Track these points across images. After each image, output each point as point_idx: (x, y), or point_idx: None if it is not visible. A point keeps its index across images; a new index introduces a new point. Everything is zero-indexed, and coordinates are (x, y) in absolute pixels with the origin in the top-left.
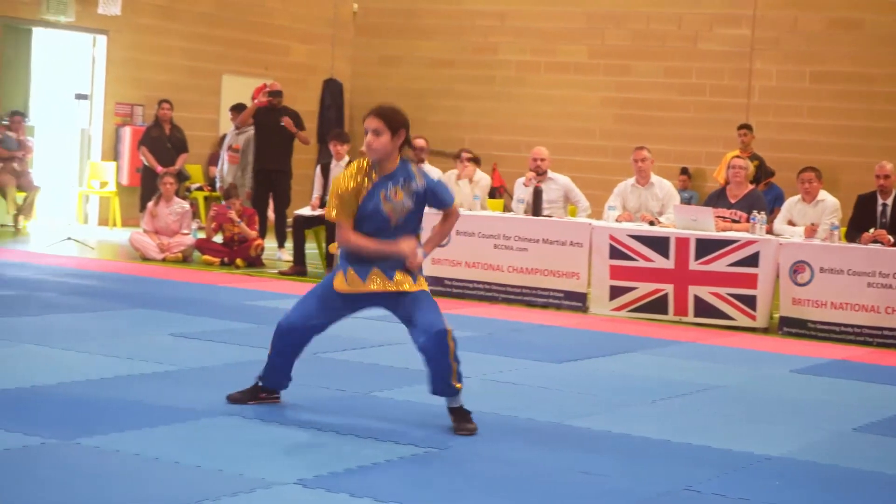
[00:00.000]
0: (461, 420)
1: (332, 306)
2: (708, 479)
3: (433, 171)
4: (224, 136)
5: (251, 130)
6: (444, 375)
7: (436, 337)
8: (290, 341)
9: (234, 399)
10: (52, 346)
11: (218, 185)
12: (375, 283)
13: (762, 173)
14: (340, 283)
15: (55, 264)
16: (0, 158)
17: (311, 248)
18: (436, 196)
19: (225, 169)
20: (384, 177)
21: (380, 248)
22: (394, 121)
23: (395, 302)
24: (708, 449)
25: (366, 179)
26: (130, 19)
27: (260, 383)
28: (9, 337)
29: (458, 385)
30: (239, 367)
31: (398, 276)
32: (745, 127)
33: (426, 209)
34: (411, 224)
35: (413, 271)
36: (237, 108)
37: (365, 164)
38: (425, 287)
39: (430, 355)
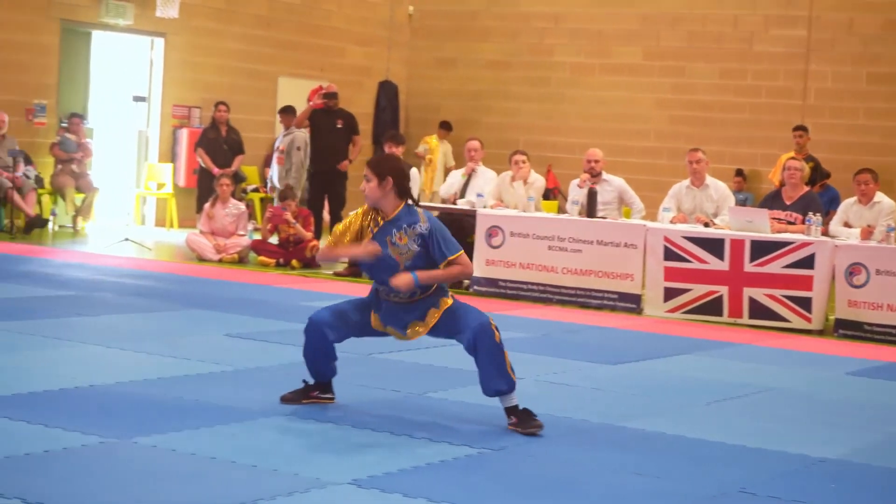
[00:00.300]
0: (527, 419)
1: (360, 325)
2: (763, 481)
3: (487, 172)
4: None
5: (296, 132)
6: (498, 365)
7: (479, 328)
8: (310, 337)
9: (287, 399)
10: (110, 346)
11: (268, 185)
12: (395, 334)
13: (818, 175)
14: (375, 320)
15: (113, 265)
16: (59, 160)
17: None
18: (435, 243)
19: (274, 171)
20: (388, 222)
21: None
22: (378, 168)
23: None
24: (763, 451)
25: (371, 223)
26: (187, 22)
27: (307, 382)
28: (67, 337)
29: (513, 376)
30: (293, 368)
31: (409, 329)
32: (801, 128)
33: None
34: (419, 265)
35: (429, 302)
36: (286, 111)
37: (371, 210)
38: (448, 303)
39: (480, 347)
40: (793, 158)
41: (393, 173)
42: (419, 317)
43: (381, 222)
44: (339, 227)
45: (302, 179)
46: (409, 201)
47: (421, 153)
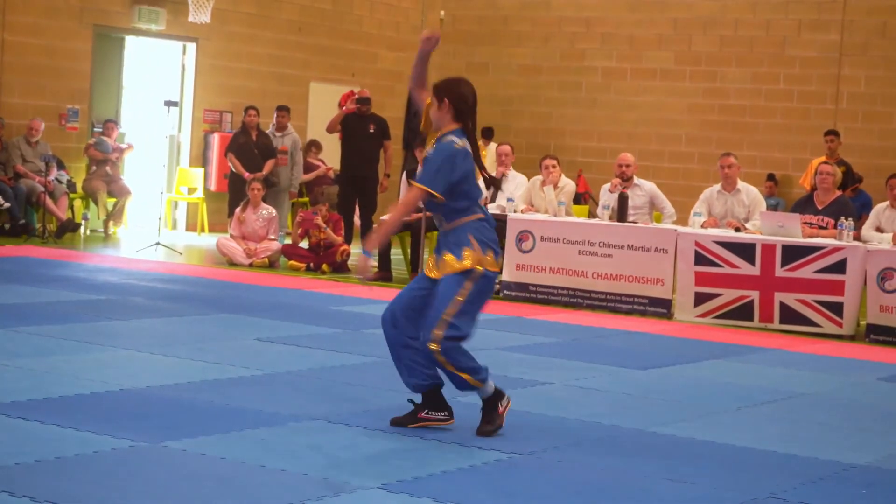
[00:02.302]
0: (485, 417)
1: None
2: (793, 487)
3: (517, 177)
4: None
5: (294, 133)
6: (455, 383)
7: (426, 350)
8: (385, 331)
9: (396, 422)
10: (141, 350)
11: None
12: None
13: (849, 179)
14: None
15: (144, 269)
16: (94, 161)
17: (396, 254)
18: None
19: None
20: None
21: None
22: (437, 90)
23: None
24: (793, 457)
25: None
26: (219, 27)
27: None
28: (99, 341)
29: (467, 377)
30: (324, 372)
31: (441, 260)
32: (832, 133)
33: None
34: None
35: (452, 243)
36: (284, 109)
37: None
38: (455, 267)
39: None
40: (825, 163)
41: (449, 95)
42: (438, 257)
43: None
44: None
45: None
46: (469, 124)
47: None
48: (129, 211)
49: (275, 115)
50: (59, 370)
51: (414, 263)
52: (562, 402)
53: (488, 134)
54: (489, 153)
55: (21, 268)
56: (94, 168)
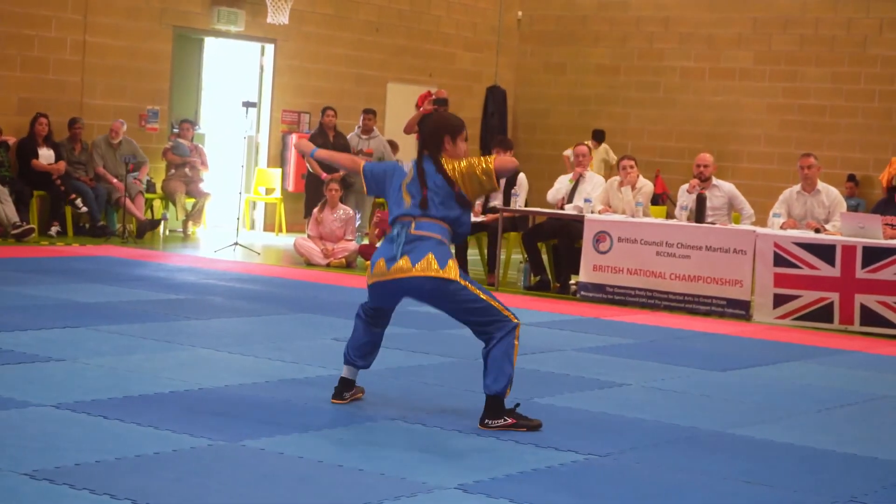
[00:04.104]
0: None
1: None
2: (874, 490)
3: (595, 177)
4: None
5: (381, 136)
6: None
7: None
8: None
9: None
10: (219, 349)
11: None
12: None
13: None
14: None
15: (222, 269)
16: (173, 165)
17: (472, 255)
18: None
19: None
20: None
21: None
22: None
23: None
24: (874, 460)
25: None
26: (297, 28)
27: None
28: (178, 340)
29: None
30: (401, 372)
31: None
32: None
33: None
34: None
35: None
36: (371, 112)
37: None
38: (448, 274)
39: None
40: None
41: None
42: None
43: None
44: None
45: None
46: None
47: (569, 157)
48: (208, 211)
49: (361, 118)
50: (139, 369)
51: (491, 264)
52: (639, 404)
53: (599, 136)
54: (597, 155)
55: (101, 267)
56: (172, 170)
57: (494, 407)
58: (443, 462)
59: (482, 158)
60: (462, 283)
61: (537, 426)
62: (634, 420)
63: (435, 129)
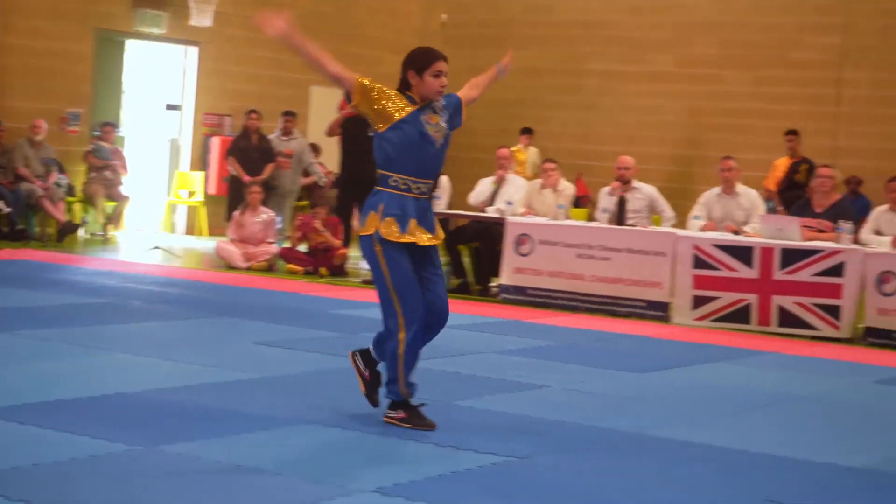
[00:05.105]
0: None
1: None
2: (790, 490)
3: (517, 180)
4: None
5: (301, 138)
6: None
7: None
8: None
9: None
10: (139, 353)
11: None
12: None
13: (812, 177)
14: (416, 230)
15: (142, 273)
16: (94, 168)
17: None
18: (457, 108)
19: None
20: (420, 108)
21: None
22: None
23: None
24: (790, 460)
25: (405, 105)
26: (221, 31)
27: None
28: (97, 345)
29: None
30: (322, 375)
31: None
32: (792, 132)
33: None
34: (447, 146)
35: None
36: (291, 114)
37: (402, 95)
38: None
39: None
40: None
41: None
42: (431, 226)
43: (419, 104)
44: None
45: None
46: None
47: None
48: (129, 214)
49: (281, 120)
50: (58, 374)
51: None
52: (559, 406)
53: (528, 131)
54: (529, 156)
55: (20, 271)
56: (93, 173)
57: (391, 399)
58: (362, 465)
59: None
60: (375, 247)
61: (430, 426)
62: (554, 422)
63: (402, 64)
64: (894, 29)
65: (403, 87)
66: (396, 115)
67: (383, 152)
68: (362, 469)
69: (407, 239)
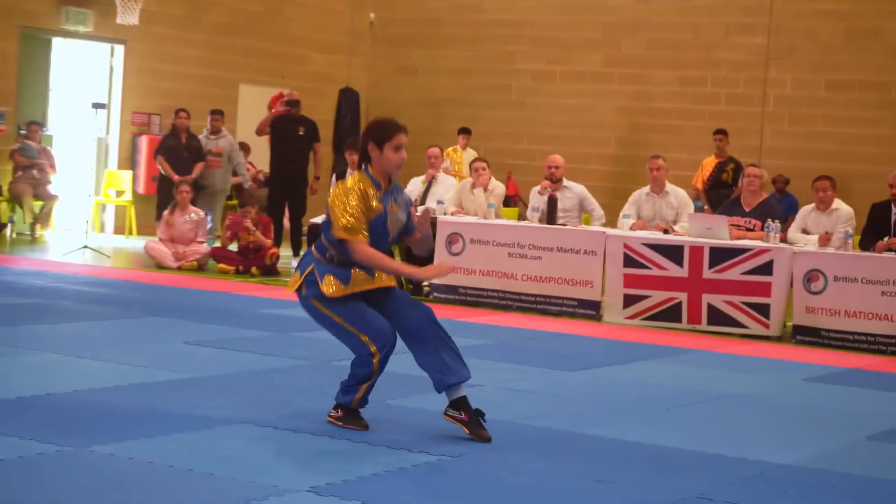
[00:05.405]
0: (476, 423)
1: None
2: (721, 487)
3: (447, 179)
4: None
5: (229, 136)
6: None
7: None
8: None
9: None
10: (68, 353)
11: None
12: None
13: (739, 176)
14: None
15: (71, 273)
16: (20, 167)
17: None
18: (409, 214)
19: None
20: (387, 191)
21: (403, 269)
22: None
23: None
24: (721, 457)
25: (374, 192)
26: (148, 29)
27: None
28: (25, 345)
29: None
30: (253, 375)
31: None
32: (721, 132)
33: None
34: (398, 238)
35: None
36: (219, 113)
37: (361, 180)
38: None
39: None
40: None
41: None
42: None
43: (383, 190)
44: (349, 208)
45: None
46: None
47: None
48: (57, 214)
49: (209, 119)
50: None
51: None
52: (492, 405)
53: (467, 131)
54: (466, 155)
55: None
56: (20, 172)
57: (337, 401)
58: (294, 465)
59: (339, 212)
60: (313, 301)
61: (363, 426)
62: (487, 421)
63: (362, 136)
64: (818, 29)
65: (363, 160)
66: (374, 203)
67: None
68: (295, 469)
69: (350, 290)
